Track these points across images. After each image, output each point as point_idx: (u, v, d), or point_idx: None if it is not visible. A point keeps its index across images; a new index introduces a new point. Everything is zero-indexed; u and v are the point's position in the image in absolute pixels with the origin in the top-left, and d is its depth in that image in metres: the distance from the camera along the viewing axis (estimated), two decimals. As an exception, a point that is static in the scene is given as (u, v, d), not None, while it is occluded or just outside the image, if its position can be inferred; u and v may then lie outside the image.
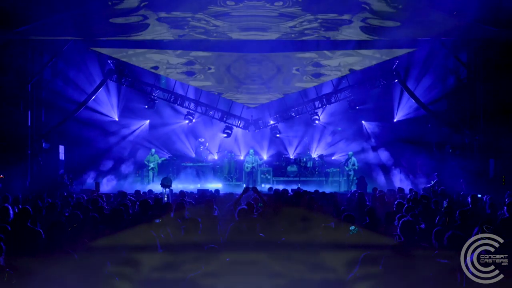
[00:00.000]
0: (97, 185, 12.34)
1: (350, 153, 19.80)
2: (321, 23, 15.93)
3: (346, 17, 15.63)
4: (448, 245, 5.27)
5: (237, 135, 21.27)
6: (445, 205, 9.04)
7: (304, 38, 16.66)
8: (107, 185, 17.91)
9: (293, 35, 16.49)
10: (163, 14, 15.36)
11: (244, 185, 10.14)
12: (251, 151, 20.17)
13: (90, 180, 18.28)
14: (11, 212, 7.53)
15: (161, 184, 10.67)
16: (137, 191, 12.38)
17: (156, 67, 18.16)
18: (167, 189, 10.46)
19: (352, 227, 6.53)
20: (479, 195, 11.27)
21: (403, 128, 19.86)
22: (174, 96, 19.61)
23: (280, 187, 13.19)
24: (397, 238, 5.73)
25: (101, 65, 18.77)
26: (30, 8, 14.15)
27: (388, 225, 7.32)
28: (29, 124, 16.92)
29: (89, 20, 15.41)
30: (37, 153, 17.07)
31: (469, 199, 9.55)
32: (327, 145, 21.49)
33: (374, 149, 20.70)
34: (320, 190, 12.13)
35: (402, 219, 5.66)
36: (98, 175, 18.69)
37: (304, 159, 20.77)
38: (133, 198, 10.59)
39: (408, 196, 11.13)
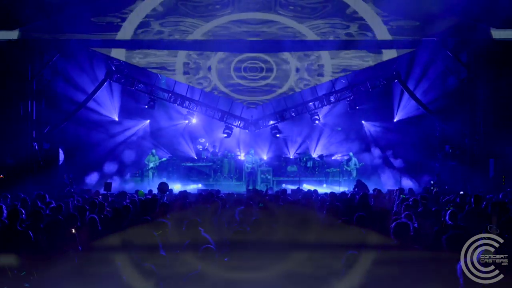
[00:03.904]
0: (108, 185, 12.16)
1: (351, 153, 19.86)
2: (323, 26, 16.06)
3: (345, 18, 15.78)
4: (447, 247, 5.25)
5: (237, 135, 21.27)
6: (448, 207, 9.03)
7: (305, 38, 16.70)
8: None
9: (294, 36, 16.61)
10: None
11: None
12: (251, 151, 20.18)
13: (88, 180, 18.27)
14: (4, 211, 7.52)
15: (158, 189, 10.68)
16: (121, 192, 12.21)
17: (156, 67, 18.15)
18: (164, 194, 10.46)
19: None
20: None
21: (403, 128, 19.87)
22: (174, 96, 19.60)
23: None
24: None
25: (101, 65, 18.75)
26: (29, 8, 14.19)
27: (385, 226, 7.29)
28: (29, 124, 16.90)
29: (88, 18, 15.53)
30: (37, 153, 17.05)
31: (472, 199, 9.51)
32: (327, 145, 21.49)
33: (375, 149, 20.69)
34: (319, 190, 12.13)
35: (396, 221, 5.65)
36: (98, 175, 18.68)
37: (304, 159, 20.78)
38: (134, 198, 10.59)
39: (407, 196, 11.13)
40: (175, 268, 5.68)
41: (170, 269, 5.71)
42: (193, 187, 18.49)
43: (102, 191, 12.94)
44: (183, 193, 11.24)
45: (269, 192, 12.81)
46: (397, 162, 19.58)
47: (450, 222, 7.50)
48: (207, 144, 21.32)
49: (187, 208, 8.52)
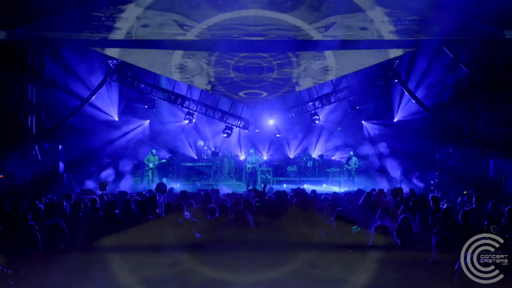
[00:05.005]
0: (103, 184, 12.15)
1: (351, 152, 19.86)
2: (322, 25, 16.09)
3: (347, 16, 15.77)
4: (437, 249, 5.25)
5: (237, 135, 21.27)
6: (445, 206, 9.01)
7: (305, 38, 16.71)
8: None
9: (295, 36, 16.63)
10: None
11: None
12: (252, 151, 20.18)
13: (88, 180, 18.26)
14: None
15: (155, 189, 10.70)
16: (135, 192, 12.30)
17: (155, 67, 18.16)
18: (162, 195, 10.46)
19: (354, 227, 6.50)
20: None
21: (403, 128, 19.86)
22: (174, 96, 19.58)
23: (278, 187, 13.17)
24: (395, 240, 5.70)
25: (101, 65, 18.73)
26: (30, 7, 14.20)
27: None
28: (29, 124, 16.88)
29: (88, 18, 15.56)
30: (37, 153, 17.03)
31: (473, 199, 9.50)
32: (327, 145, 21.49)
33: (374, 149, 20.69)
34: (318, 190, 12.10)
35: (399, 222, 5.65)
36: (98, 174, 18.68)
37: (304, 159, 20.78)
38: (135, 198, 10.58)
39: (407, 196, 11.10)
40: (176, 268, 5.67)
41: (171, 269, 5.71)
42: (189, 187, 18.47)
43: (98, 191, 12.94)
44: (184, 193, 11.21)
45: (269, 192, 12.76)
46: (397, 162, 19.56)
47: (461, 222, 7.52)
48: (207, 143, 21.32)
49: (188, 208, 8.49)
